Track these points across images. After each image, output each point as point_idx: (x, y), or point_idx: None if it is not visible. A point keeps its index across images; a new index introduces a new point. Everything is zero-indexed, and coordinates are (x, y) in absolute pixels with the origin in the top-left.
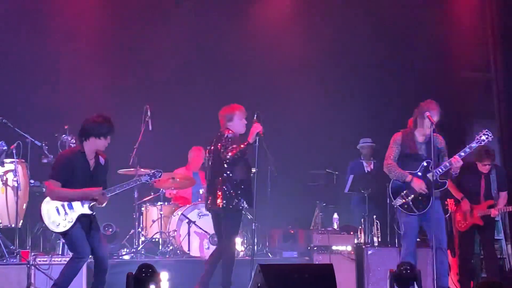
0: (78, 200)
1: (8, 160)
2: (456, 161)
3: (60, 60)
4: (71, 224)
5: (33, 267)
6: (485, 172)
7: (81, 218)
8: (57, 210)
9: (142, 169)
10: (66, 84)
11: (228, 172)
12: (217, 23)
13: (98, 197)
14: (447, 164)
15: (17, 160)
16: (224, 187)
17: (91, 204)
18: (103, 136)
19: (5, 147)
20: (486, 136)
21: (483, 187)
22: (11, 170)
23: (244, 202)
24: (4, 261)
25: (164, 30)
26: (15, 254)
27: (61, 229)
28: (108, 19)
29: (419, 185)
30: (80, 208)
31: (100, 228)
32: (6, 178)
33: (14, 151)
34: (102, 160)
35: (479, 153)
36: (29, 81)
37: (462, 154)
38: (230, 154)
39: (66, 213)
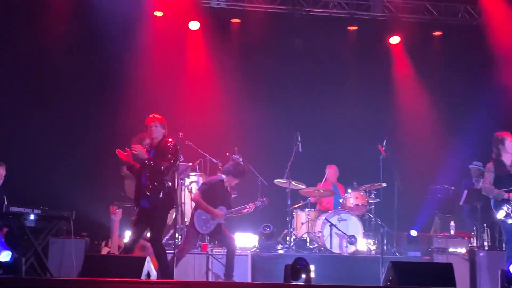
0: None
1: (192, 174)
2: None
3: (228, 91)
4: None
5: (210, 257)
6: None
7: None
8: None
9: (293, 182)
10: (235, 113)
11: None
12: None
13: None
14: None
15: (199, 173)
16: None
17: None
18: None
19: (190, 164)
20: None
21: None
22: (195, 181)
23: None
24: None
25: (302, 68)
26: (197, 246)
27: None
28: (267, 59)
29: None
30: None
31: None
32: (191, 187)
33: (197, 167)
34: (229, 188)
35: None
36: (207, 108)
37: None
38: None
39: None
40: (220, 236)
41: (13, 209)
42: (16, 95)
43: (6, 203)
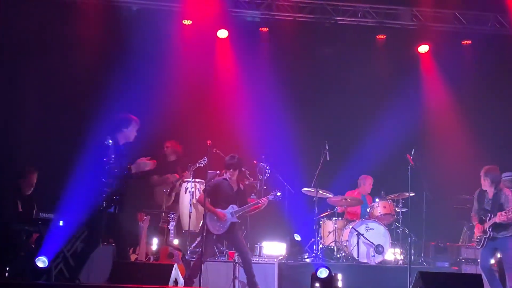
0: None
1: None
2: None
3: (256, 100)
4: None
5: (237, 265)
6: None
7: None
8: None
9: (321, 190)
10: (263, 121)
11: None
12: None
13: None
14: None
15: None
16: None
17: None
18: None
19: (218, 172)
20: None
21: None
22: None
23: None
24: (216, 259)
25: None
26: (224, 253)
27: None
28: (295, 68)
29: None
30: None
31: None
32: None
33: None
34: (241, 186)
35: None
36: (235, 115)
37: None
38: None
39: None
40: (232, 236)
41: (43, 215)
42: (46, 100)
43: (36, 209)
